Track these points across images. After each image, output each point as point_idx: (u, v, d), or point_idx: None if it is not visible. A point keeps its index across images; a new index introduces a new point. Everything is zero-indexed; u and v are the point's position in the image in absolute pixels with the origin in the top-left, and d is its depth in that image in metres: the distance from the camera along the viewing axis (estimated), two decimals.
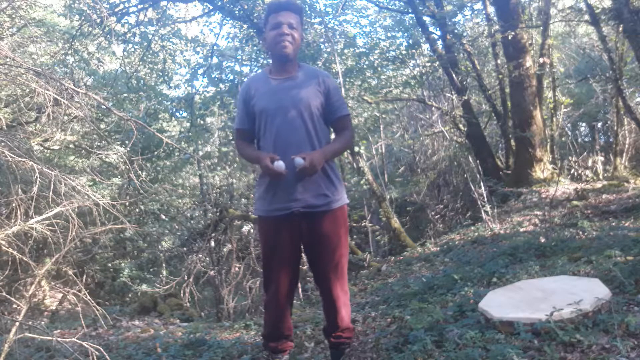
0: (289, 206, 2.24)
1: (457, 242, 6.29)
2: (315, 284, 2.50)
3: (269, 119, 2.27)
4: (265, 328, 2.45)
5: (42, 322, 7.00)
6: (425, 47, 10.49)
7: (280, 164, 2.18)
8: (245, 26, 8.24)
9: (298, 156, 2.17)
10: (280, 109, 2.26)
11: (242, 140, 2.43)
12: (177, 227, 9.57)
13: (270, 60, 2.44)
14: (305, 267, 5.26)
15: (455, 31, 9.14)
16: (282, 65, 2.32)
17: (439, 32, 9.30)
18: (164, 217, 10.60)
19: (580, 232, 4.98)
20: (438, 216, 11.11)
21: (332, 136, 2.47)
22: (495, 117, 9.79)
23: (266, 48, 2.45)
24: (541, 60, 9.01)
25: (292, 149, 2.22)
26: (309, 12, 8.56)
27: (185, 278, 6.55)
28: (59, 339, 2.22)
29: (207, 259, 7.11)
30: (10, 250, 2.47)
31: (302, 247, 2.36)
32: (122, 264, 12.31)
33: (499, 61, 9.44)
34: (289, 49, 2.26)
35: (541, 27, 9.39)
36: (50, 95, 2.54)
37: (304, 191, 2.24)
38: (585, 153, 10.31)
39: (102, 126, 10.00)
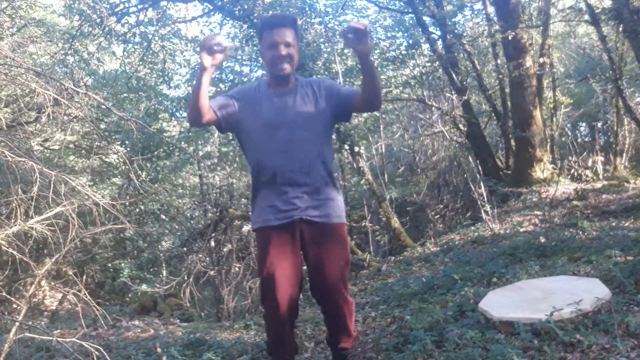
0: (290, 215, 2.19)
1: (457, 242, 6.28)
2: (315, 298, 2.39)
3: (271, 132, 2.20)
4: (268, 338, 2.34)
5: (42, 322, 6.99)
6: (425, 47, 10.46)
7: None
8: (245, 26, 8.23)
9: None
10: (284, 122, 2.20)
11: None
12: (177, 227, 9.56)
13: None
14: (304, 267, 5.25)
15: (455, 31, 9.12)
16: (280, 82, 2.27)
17: (439, 32, 9.29)
18: (164, 217, 10.58)
19: (580, 232, 4.98)
20: (438, 216, 11.10)
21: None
22: (495, 117, 9.78)
23: (264, 64, 2.37)
24: (541, 60, 9.01)
25: (296, 163, 2.18)
26: (308, 12, 8.55)
27: (185, 278, 6.55)
28: (59, 339, 2.22)
29: (207, 259, 7.12)
30: (10, 250, 2.47)
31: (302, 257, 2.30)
32: (122, 264, 12.30)
33: (499, 61, 9.43)
34: (288, 70, 2.21)
35: (541, 27, 9.38)
36: (50, 95, 2.54)
37: (304, 201, 2.19)
38: (585, 153, 10.30)
39: (102, 126, 10.01)
